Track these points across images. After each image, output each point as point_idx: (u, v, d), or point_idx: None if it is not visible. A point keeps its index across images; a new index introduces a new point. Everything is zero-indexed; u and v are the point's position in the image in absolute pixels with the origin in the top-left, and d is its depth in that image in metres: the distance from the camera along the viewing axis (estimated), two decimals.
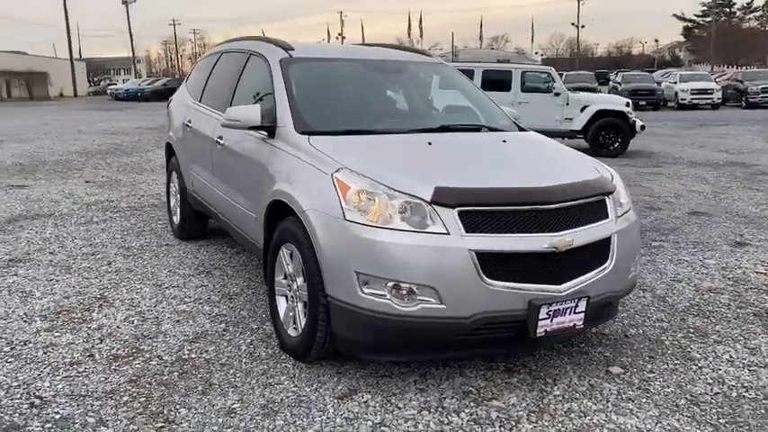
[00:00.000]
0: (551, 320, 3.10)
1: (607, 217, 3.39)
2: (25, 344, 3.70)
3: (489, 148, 3.90)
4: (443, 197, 3.03)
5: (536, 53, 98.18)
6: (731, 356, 3.69)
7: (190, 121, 5.44)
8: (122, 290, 4.63)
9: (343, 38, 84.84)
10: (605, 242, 3.33)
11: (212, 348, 3.66)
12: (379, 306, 2.99)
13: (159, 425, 2.86)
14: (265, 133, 3.96)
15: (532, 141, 4.22)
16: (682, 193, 8.95)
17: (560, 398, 3.17)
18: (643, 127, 13.16)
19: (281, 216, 3.58)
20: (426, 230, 2.99)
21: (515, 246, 3.03)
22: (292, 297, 3.53)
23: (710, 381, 3.39)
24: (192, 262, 5.34)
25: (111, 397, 3.10)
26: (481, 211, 3.05)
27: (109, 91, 50.22)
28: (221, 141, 4.60)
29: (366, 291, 3.01)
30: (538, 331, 3.08)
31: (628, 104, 13.29)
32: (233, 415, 2.95)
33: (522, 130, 4.48)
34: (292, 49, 4.45)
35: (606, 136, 13.10)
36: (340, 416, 2.96)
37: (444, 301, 2.96)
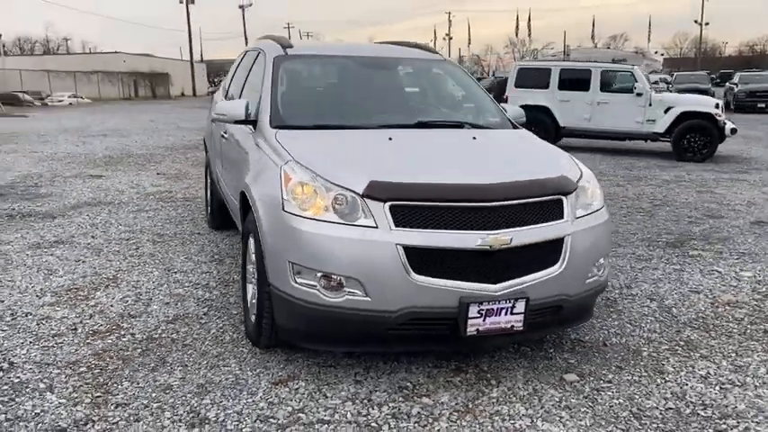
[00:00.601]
0: (484, 320, 3.03)
1: (562, 217, 3.27)
2: (26, 315, 4.06)
3: (453, 144, 3.84)
4: (375, 191, 3.05)
5: (655, 53, 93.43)
6: (708, 373, 3.44)
7: (213, 118, 5.72)
8: (135, 272, 4.95)
9: (451, 38, 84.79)
10: (556, 243, 3.21)
11: (184, 330, 3.86)
12: (309, 296, 3.06)
13: (97, 395, 3.07)
14: (252, 128, 4.12)
15: (509, 139, 4.12)
16: (756, 202, 8.31)
17: (495, 400, 3.10)
18: (734, 130, 12.28)
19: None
20: (355, 223, 3.02)
21: (446, 242, 2.99)
22: (254, 285, 3.66)
23: (669, 395, 3.18)
24: (212, 250, 5.61)
25: (70, 367, 3.35)
26: (412, 206, 3.03)
27: None
28: (225, 135, 4.82)
29: (299, 281, 3.09)
30: (469, 330, 3.03)
31: (717, 106, 12.44)
32: (168, 391, 3.12)
33: (515, 127, 4.38)
34: (290, 47, 4.58)
35: (692, 139, 12.35)
36: (265, 400, 3.04)
37: (369, 293, 2.98)
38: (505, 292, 3.05)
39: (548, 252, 3.19)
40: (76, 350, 3.56)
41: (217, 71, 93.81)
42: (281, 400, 3.05)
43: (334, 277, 3.01)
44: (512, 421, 2.91)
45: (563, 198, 3.31)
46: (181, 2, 59.92)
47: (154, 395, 3.08)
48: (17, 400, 3.01)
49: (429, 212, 3.04)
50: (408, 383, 3.24)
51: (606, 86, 13.09)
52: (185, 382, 3.20)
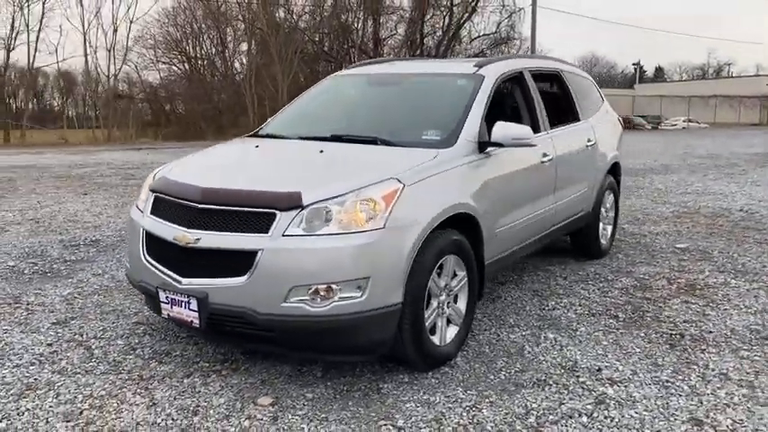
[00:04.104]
0: (171, 307, 3.23)
1: (265, 231, 3.05)
2: None
3: (289, 155, 4.03)
4: (153, 184, 3.68)
5: None
6: None
7: None
8: None
9: None
10: (247, 255, 3.03)
11: None
12: None
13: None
14: None
15: (367, 156, 3.74)
16: None
17: (178, 384, 3.25)
18: None
19: None
20: (140, 209, 3.68)
21: (157, 231, 3.38)
22: None
23: None
24: None
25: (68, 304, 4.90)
26: (158, 198, 3.55)
27: None
28: None
29: None
30: (163, 312, 3.30)
31: None
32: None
33: (449, 146, 3.68)
34: (349, 68, 5.24)
35: None
36: (104, 327, 3.98)
37: (130, 264, 3.67)
38: (186, 287, 3.16)
39: (236, 261, 3.06)
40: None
41: None
42: (102, 335, 3.87)
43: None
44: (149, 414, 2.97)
45: (277, 213, 3.07)
46: None
47: (53, 318, 4.21)
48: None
49: (162, 205, 3.49)
50: (174, 355, 3.58)
51: None
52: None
